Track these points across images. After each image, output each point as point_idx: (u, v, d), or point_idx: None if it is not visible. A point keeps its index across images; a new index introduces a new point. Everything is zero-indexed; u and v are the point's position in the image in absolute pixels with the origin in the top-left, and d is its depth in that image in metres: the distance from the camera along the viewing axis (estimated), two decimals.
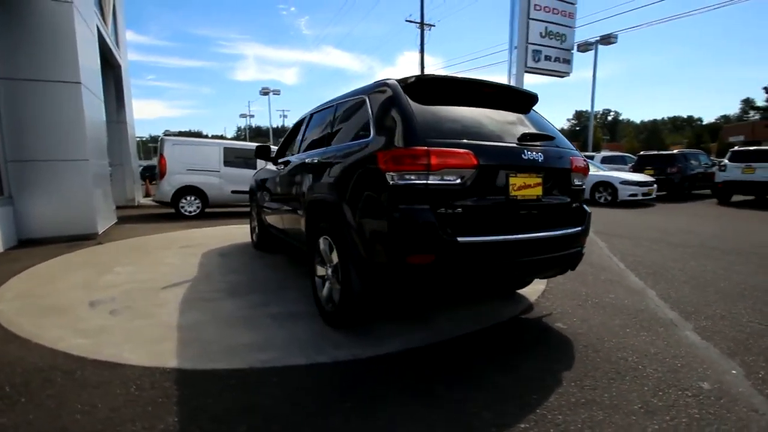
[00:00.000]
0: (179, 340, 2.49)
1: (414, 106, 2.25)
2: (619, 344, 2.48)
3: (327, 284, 2.76)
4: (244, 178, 8.90)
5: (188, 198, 8.56)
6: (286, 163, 3.82)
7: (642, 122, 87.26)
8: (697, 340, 2.55)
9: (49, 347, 2.38)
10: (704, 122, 72.04)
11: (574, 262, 2.62)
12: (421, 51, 29.24)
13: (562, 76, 17.91)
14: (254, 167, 9.01)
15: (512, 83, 16.90)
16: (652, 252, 5.08)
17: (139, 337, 2.53)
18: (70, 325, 2.70)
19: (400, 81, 2.45)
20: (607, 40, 18.04)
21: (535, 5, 16.38)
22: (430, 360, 2.30)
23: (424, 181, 2.05)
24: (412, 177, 2.06)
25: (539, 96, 2.76)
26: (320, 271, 2.87)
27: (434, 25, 29.55)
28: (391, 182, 2.09)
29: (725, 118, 65.00)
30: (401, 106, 2.27)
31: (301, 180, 3.19)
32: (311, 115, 3.66)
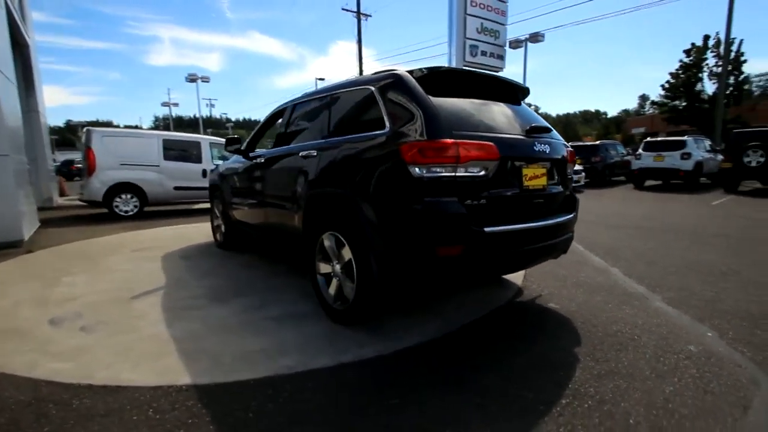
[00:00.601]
0: (180, 353, 2.26)
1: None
2: (610, 318, 2.73)
3: (335, 281, 2.67)
4: (187, 173, 8.26)
5: (123, 196, 7.70)
6: (264, 156, 3.60)
7: (557, 115, 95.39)
8: (670, 309, 2.89)
9: (24, 376, 2.04)
10: (609, 115, 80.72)
11: (567, 246, 2.83)
12: (359, 41, 29.00)
13: (497, 71, 18.88)
14: (199, 161, 8.39)
15: None
16: (600, 234, 5.63)
17: (130, 354, 2.25)
18: (38, 349, 2.33)
19: (409, 72, 2.43)
20: (535, 38, 19.43)
21: (472, 2, 17.03)
22: (451, 349, 2.34)
23: (452, 174, 2.07)
24: (440, 169, 2.06)
25: None
26: (323, 268, 2.77)
27: (371, 15, 29.36)
28: (417, 175, 2.07)
29: (626, 112, 73.34)
30: (420, 98, 2.25)
31: (294, 174, 3.03)
32: (294, 105, 3.47)
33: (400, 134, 2.20)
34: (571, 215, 2.74)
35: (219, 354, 2.25)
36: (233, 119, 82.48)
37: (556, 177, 2.66)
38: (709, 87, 24.49)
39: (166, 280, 3.63)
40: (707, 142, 12.60)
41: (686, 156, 11.17)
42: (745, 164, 10.02)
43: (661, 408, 1.76)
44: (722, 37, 23.69)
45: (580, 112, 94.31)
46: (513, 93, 2.80)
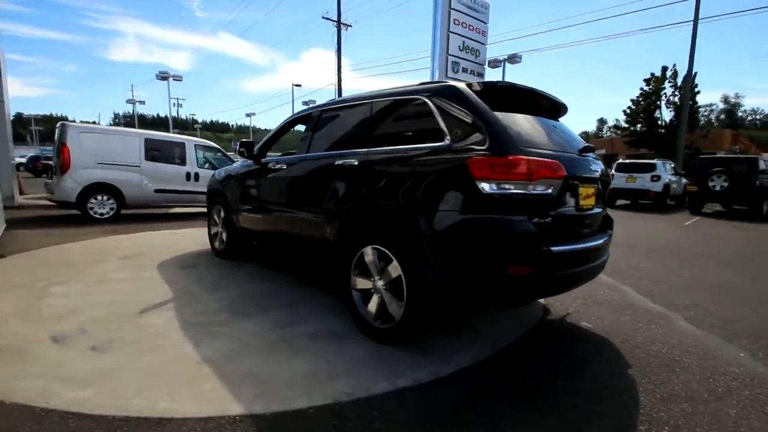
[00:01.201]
0: (220, 377, 2.05)
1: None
2: (645, 338, 2.76)
3: (375, 298, 2.54)
4: (170, 175, 7.82)
5: (99, 198, 7.14)
6: (286, 162, 3.42)
7: None
8: (695, 330, 2.97)
9: (40, 407, 1.76)
10: None
11: (605, 266, 2.85)
12: (338, 51, 29.01)
13: None
14: (183, 163, 7.98)
15: None
16: None
17: (162, 379, 2.02)
18: (48, 373, 2.03)
19: (468, 86, 2.38)
20: (513, 59, 20.18)
21: (455, 20, 17.47)
22: (505, 370, 2.27)
23: (523, 191, 2.02)
24: (510, 186, 2.01)
25: None
26: (361, 283, 2.63)
27: (351, 26, 29.45)
28: (486, 191, 2.01)
29: (586, 134, 77.57)
30: (483, 111, 2.20)
31: (327, 183, 2.89)
32: (321, 111, 3.33)
33: (465, 148, 2.13)
34: (611, 234, 2.77)
35: (265, 378, 2.05)
36: (200, 120, 79.80)
37: (599, 196, 2.68)
38: (666, 114, 26.31)
39: (173, 292, 3.34)
40: (671, 165, 13.44)
41: (656, 178, 11.85)
42: (709, 188, 10.75)
43: None
44: (678, 69, 25.68)
45: None
46: (557, 110, 2.82)
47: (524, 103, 2.55)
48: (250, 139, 4.02)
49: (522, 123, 2.30)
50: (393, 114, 2.70)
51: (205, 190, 8.17)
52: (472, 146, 2.11)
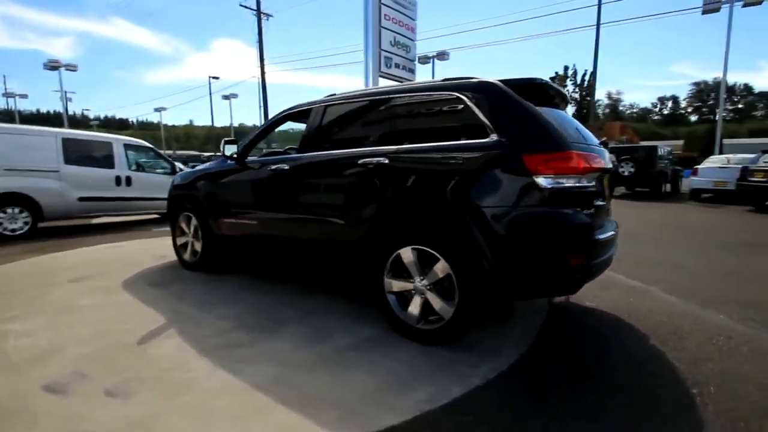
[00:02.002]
0: (287, 404, 1.85)
1: None
2: (645, 311, 3.07)
3: (417, 299, 2.48)
4: (96, 180, 6.83)
5: (9, 211, 5.95)
6: (288, 162, 3.15)
7: None
8: (676, 300, 3.38)
9: None
10: None
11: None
12: (260, 42, 27.54)
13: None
14: (110, 165, 7.00)
15: (370, 86, 17.90)
16: None
17: (220, 418, 1.76)
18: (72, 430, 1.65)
19: (502, 82, 2.41)
20: (442, 56, 21.01)
21: (385, 15, 17.56)
22: (552, 358, 2.38)
23: (576, 184, 2.11)
24: (565, 180, 2.09)
25: None
26: (397, 286, 2.55)
27: (272, 15, 28.09)
28: (544, 186, 2.07)
29: None
30: (527, 107, 2.25)
31: (349, 183, 2.73)
32: (325, 107, 3.12)
33: (516, 144, 2.16)
34: (617, 225, 3.02)
35: (335, 398, 1.90)
36: (93, 117, 70.14)
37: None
38: (569, 108, 29.57)
39: (163, 315, 2.91)
40: None
41: None
42: (619, 173, 12.32)
43: (760, 382, 2.05)
44: (578, 69, 28.85)
45: None
46: (565, 102, 2.95)
47: (542, 97, 2.64)
48: (232, 137, 3.63)
49: (555, 117, 2.39)
50: (421, 109, 2.63)
51: (140, 195, 7.43)
52: (524, 142, 2.15)
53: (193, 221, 4.07)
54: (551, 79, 30.87)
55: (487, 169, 2.22)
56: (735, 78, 63.36)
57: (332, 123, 3.09)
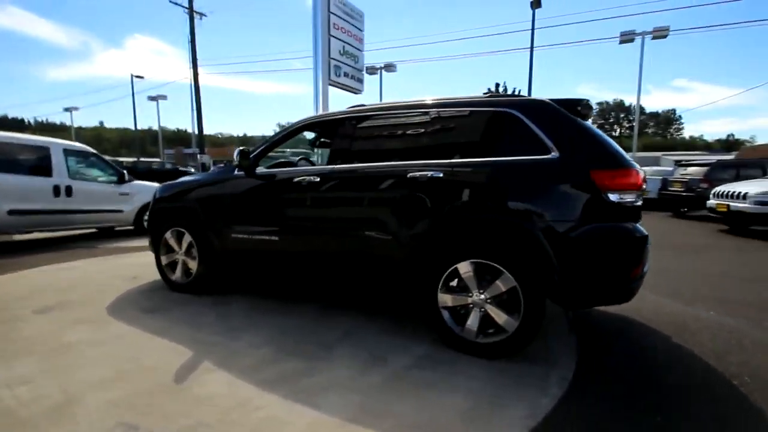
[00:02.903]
0: None
1: None
2: (649, 311, 3.38)
3: (476, 313, 2.48)
4: (30, 190, 5.87)
5: None
6: (318, 174, 2.97)
7: None
8: (667, 300, 3.77)
9: None
10: None
11: None
12: (192, 42, 25.86)
13: (356, 93, 19.87)
14: (47, 173, 6.08)
15: (320, 95, 17.64)
16: None
17: None
18: None
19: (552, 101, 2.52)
20: (390, 68, 21.41)
21: (334, 24, 17.47)
22: (604, 363, 2.51)
23: (634, 199, 2.27)
24: (627, 196, 2.24)
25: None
26: (453, 300, 2.53)
27: (206, 15, 26.51)
28: (612, 201, 2.20)
29: None
30: (584, 126, 2.39)
31: (400, 197, 2.65)
32: (359, 117, 2.99)
33: (583, 160, 2.28)
34: None
35: (442, 424, 1.81)
36: None
37: None
38: None
39: (185, 347, 2.56)
40: None
41: None
42: None
43: None
44: (508, 86, 31.13)
45: None
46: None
47: (581, 116, 2.79)
48: (247, 148, 3.33)
49: (603, 135, 2.55)
50: (471, 124, 2.65)
51: (82, 207, 6.49)
52: (590, 159, 2.28)
53: (187, 238, 3.65)
54: (484, 94, 33.22)
55: (554, 185, 2.31)
56: (630, 100, 72.98)
57: (369, 134, 2.98)
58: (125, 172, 7.04)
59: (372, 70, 21.28)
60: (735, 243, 6.93)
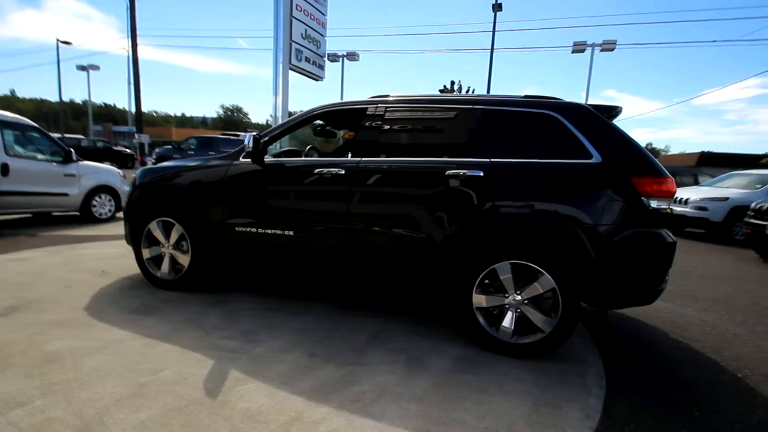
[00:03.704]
0: None
1: None
2: (646, 312, 3.61)
3: (511, 314, 2.48)
4: None
5: None
6: (343, 166, 2.79)
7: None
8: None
9: None
10: None
11: None
12: (131, 7, 23.47)
13: (317, 80, 19.18)
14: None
15: (279, 79, 16.78)
16: None
17: None
18: None
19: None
20: (352, 56, 20.93)
21: (297, 5, 16.68)
22: (632, 358, 2.63)
23: (666, 206, 2.39)
24: (662, 203, 2.35)
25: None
26: (488, 301, 2.52)
27: None
28: (651, 207, 2.29)
29: None
30: (622, 132, 2.46)
31: (437, 195, 2.57)
32: (387, 108, 2.83)
33: (623, 166, 2.35)
34: None
35: (510, 428, 1.78)
36: None
37: None
38: None
39: (202, 354, 2.29)
40: None
41: None
42: None
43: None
44: (463, 85, 31.91)
45: None
46: None
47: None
48: (259, 133, 3.02)
49: (638, 142, 2.64)
50: (509, 124, 2.61)
51: (22, 189, 5.60)
52: (630, 165, 2.35)
53: (177, 229, 3.28)
54: (440, 91, 33.87)
55: (597, 189, 2.36)
56: None
57: (400, 127, 2.84)
58: (72, 150, 6.19)
59: (333, 58, 20.71)
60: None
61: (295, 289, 3.56)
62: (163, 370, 2.10)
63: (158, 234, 3.36)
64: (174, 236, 3.31)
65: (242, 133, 19.21)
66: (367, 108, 2.92)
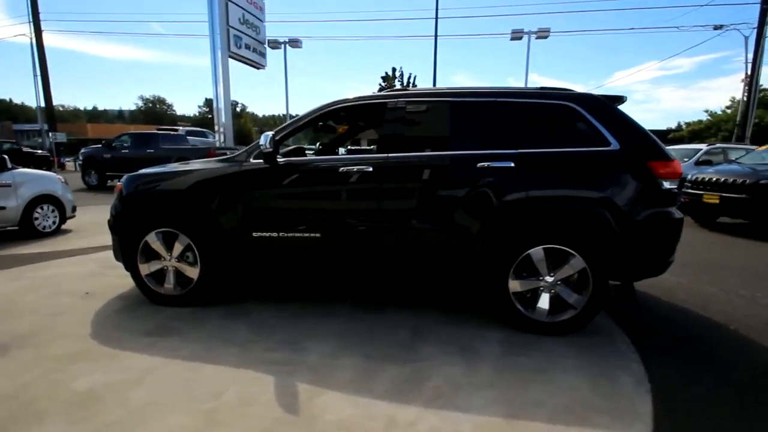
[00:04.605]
0: (570, 423, 1.78)
1: None
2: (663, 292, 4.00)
3: (545, 296, 2.64)
4: None
5: None
6: (371, 162, 2.74)
7: (263, 116, 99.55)
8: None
9: None
10: None
11: None
12: None
13: (258, 68, 18.29)
14: None
15: (219, 68, 15.63)
16: None
17: None
18: None
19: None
20: (295, 43, 20.05)
21: None
22: (653, 328, 2.89)
23: (676, 186, 2.64)
24: (673, 184, 2.60)
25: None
26: (521, 285, 2.66)
27: None
28: (666, 188, 2.54)
29: None
30: (633, 120, 2.67)
31: (472, 187, 2.64)
32: (408, 102, 2.81)
33: (639, 152, 2.56)
34: None
35: (595, 405, 1.92)
36: None
37: None
38: None
39: (253, 371, 2.16)
40: None
41: None
42: None
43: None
44: (405, 72, 32.11)
45: (284, 115, 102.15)
46: None
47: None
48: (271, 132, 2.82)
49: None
50: (531, 115, 2.72)
51: None
52: (644, 150, 2.57)
53: (182, 240, 3.01)
54: (382, 78, 33.84)
55: (619, 174, 2.55)
56: None
57: (424, 120, 2.84)
58: (6, 157, 5.36)
59: (275, 45, 19.74)
60: None
61: (310, 292, 3.45)
62: (223, 393, 1.96)
63: (158, 246, 3.06)
64: (178, 248, 3.04)
65: (180, 128, 17.77)
66: (387, 102, 2.87)
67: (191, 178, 3.02)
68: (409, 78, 33.12)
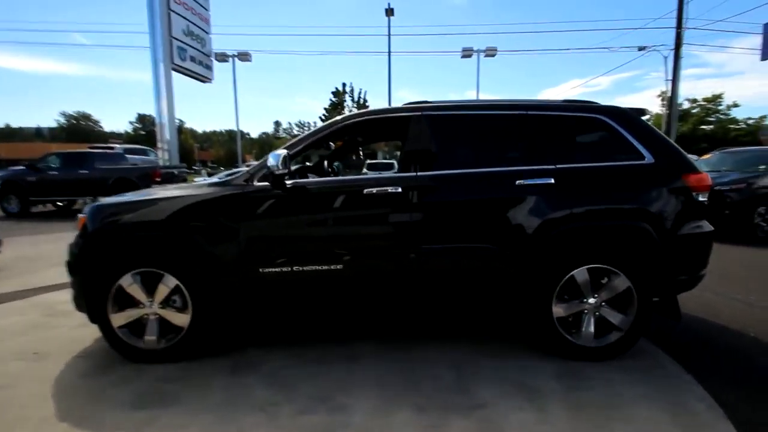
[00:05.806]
0: None
1: None
2: None
3: (588, 318, 2.49)
4: None
5: None
6: (396, 184, 2.45)
7: (203, 131, 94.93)
8: None
9: None
10: (253, 136, 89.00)
11: None
12: None
13: (204, 81, 17.22)
14: None
15: (162, 81, 14.43)
16: None
17: None
18: None
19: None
20: (244, 57, 19.18)
21: None
22: (685, 340, 2.84)
23: (706, 200, 2.62)
24: (704, 197, 2.58)
25: None
26: (564, 310, 2.49)
27: None
28: (700, 201, 2.52)
29: (266, 135, 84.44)
30: (661, 134, 2.63)
31: (510, 204, 2.45)
32: (432, 117, 2.55)
33: (673, 165, 2.52)
34: None
35: None
36: None
37: None
38: None
39: None
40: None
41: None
42: None
43: None
44: (355, 87, 32.28)
45: (226, 130, 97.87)
46: None
47: None
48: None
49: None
50: (562, 129, 2.59)
51: None
52: (678, 164, 2.53)
53: (168, 281, 2.49)
54: (333, 93, 33.67)
55: (658, 188, 2.49)
56: None
57: (451, 136, 2.59)
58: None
59: (222, 58, 18.76)
60: None
61: (314, 330, 3.04)
62: None
63: (135, 291, 2.50)
64: (163, 291, 2.50)
65: (117, 145, 16.18)
66: (410, 117, 2.60)
67: (176, 205, 2.52)
68: (360, 93, 33.31)
